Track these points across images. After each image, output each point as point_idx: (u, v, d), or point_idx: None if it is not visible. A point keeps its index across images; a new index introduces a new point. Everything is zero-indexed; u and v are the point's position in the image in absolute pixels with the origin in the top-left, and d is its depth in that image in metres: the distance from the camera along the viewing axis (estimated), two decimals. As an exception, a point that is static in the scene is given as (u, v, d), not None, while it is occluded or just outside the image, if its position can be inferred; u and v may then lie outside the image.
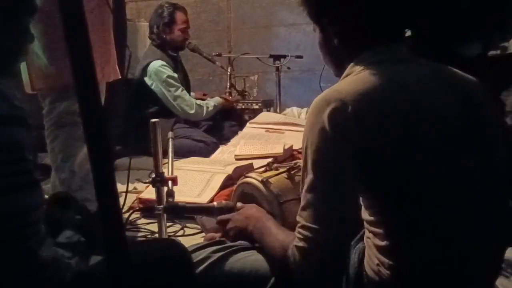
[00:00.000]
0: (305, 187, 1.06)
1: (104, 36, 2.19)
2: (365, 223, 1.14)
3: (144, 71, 3.53)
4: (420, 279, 1.07)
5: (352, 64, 1.14)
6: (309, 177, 1.05)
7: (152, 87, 3.53)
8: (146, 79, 3.54)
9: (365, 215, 1.13)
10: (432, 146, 1.06)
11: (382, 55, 1.12)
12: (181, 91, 3.55)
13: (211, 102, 3.70)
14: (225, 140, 3.53)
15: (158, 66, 3.50)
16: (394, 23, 1.15)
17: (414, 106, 1.06)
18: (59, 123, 2.14)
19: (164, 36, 3.60)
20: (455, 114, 1.10)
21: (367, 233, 1.14)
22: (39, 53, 2.04)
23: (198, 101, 3.63)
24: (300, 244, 1.06)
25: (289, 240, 1.11)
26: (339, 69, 1.21)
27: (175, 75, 3.57)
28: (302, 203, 1.07)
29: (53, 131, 2.17)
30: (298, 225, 1.07)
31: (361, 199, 1.13)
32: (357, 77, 1.10)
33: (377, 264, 1.09)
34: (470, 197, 1.08)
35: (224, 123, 3.80)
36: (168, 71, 3.52)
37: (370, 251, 1.12)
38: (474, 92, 1.16)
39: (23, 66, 2.08)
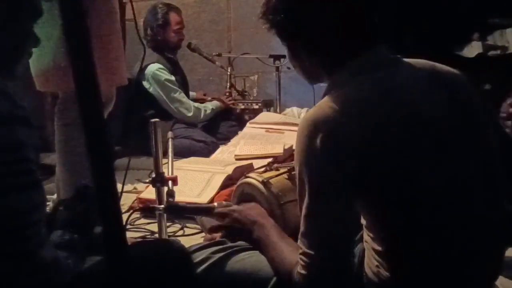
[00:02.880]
0: (303, 212, 1.07)
1: (114, 41, 2.18)
2: (363, 227, 1.14)
3: (142, 74, 3.52)
4: (419, 281, 1.07)
5: (334, 77, 1.12)
6: (306, 202, 1.05)
7: (150, 90, 3.53)
8: (144, 83, 3.54)
9: (363, 220, 1.13)
10: (426, 151, 1.04)
11: (361, 66, 1.08)
12: (178, 94, 3.55)
13: (209, 106, 3.69)
14: (223, 139, 3.53)
15: (155, 70, 3.50)
16: (368, 31, 1.11)
17: (402, 112, 1.04)
18: None
19: (159, 38, 3.60)
20: (443, 114, 1.07)
21: (365, 236, 1.13)
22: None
23: (196, 104, 3.63)
24: (302, 271, 1.07)
25: (294, 260, 1.11)
26: (313, 80, 1.24)
27: (172, 78, 3.57)
28: (301, 228, 1.07)
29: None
30: (300, 251, 1.08)
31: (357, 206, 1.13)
32: (340, 94, 1.06)
33: (377, 266, 1.09)
34: (468, 198, 1.07)
35: (221, 123, 3.79)
36: (165, 74, 3.52)
37: (369, 252, 1.12)
38: (461, 87, 1.12)
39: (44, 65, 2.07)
